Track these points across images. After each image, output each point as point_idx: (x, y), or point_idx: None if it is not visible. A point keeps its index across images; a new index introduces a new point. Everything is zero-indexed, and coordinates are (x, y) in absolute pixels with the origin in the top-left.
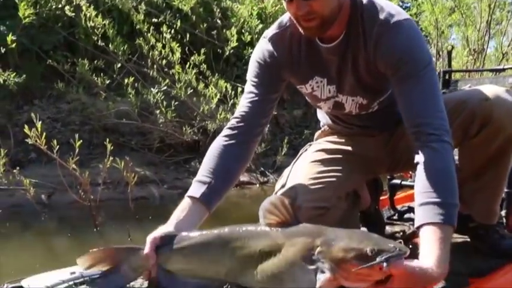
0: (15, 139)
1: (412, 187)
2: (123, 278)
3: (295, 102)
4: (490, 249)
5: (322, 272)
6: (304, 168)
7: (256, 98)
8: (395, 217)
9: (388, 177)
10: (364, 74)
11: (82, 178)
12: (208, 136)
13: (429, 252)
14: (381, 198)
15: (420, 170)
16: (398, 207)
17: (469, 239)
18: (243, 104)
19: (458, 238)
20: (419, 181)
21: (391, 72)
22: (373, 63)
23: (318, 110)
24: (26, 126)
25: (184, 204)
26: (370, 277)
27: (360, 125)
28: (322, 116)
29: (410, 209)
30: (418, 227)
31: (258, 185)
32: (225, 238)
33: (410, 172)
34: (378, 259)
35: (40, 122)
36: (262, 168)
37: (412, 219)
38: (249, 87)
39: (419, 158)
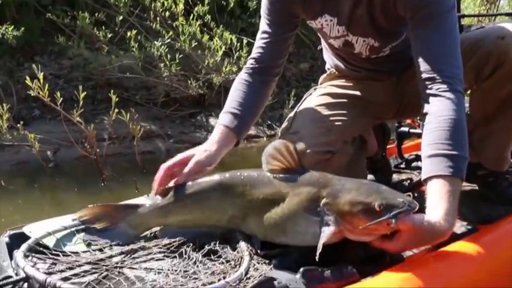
0: (18, 96)
1: (420, 135)
2: (122, 235)
3: (301, 55)
4: (499, 197)
5: (327, 224)
6: (309, 112)
7: (271, 39)
8: (402, 165)
9: (396, 124)
10: (379, 15)
11: (88, 131)
12: (213, 90)
13: (437, 206)
14: (389, 147)
15: (430, 120)
16: (406, 155)
17: (477, 187)
18: (258, 45)
19: (466, 186)
20: (428, 131)
21: (410, 14)
22: (392, 4)
23: (324, 50)
24: (27, 78)
25: (219, 130)
26: (377, 231)
27: (368, 68)
28: (329, 57)
29: (418, 158)
30: (426, 180)
31: (265, 138)
32: (226, 185)
33: (418, 121)
34: (386, 215)
35: (42, 73)
36: (269, 122)
37: (419, 168)
38: (263, 25)
39: (429, 107)
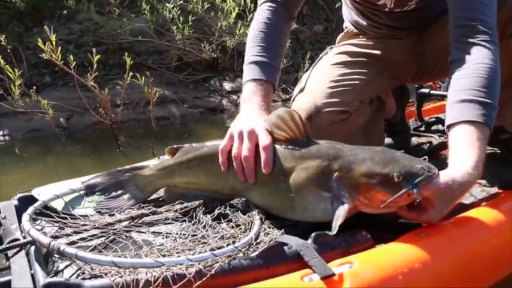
0: (28, 62)
1: (441, 97)
2: (130, 198)
3: (315, 17)
4: None
5: (340, 200)
6: (325, 71)
7: None
8: (422, 128)
9: (416, 86)
10: None
11: (102, 96)
12: (227, 53)
13: (465, 153)
14: (408, 109)
15: (464, 66)
16: (426, 118)
17: (499, 152)
18: None
19: (488, 150)
20: (461, 77)
21: None
22: None
23: (344, 6)
24: (39, 40)
25: (252, 88)
26: (397, 204)
27: (389, 25)
28: (348, 13)
29: (439, 121)
30: (452, 125)
31: (280, 102)
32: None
33: (439, 82)
34: (405, 185)
35: (54, 35)
36: (283, 85)
37: (440, 131)
38: None
39: (464, 53)
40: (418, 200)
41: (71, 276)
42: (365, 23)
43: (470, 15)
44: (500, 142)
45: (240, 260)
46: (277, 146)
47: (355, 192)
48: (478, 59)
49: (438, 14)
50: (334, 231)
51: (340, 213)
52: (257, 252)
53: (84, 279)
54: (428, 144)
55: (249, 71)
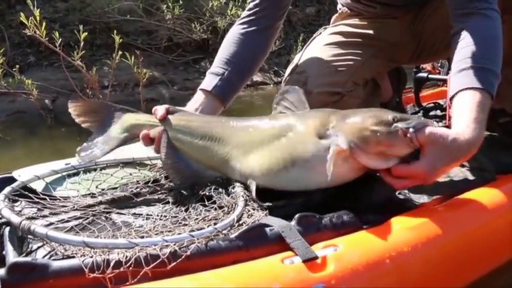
0: (11, 42)
1: (440, 81)
2: (114, 139)
3: None
4: None
5: (336, 145)
6: (317, 52)
7: None
8: (420, 114)
9: (414, 70)
10: None
11: (90, 76)
12: (218, 34)
13: (464, 116)
14: (406, 95)
15: (464, 38)
16: (424, 104)
17: (497, 136)
18: None
19: (486, 134)
20: (461, 48)
21: None
22: None
23: None
24: (22, 14)
25: (197, 98)
26: (393, 148)
27: (384, 2)
28: None
29: (437, 106)
30: (454, 96)
31: (272, 85)
32: (228, 123)
33: (438, 68)
34: (401, 126)
35: (38, 10)
36: (275, 68)
37: (438, 117)
38: None
39: (463, 25)
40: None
41: (43, 257)
42: (359, 3)
43: None
44: (499, 126)
45: (219, 241)
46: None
47: (351, 136)
48: (479, 27)
49: None
50: (328, 172)
51: (332, 151)
52: (236, 234)
53: (55, 260)
54: None
55: (204, 80)
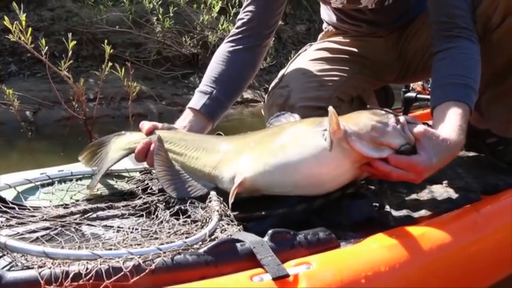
0: None
1: (428, 101)
2: (109, 160)
3: (297, 17)
4: (509, 166)
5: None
6: (302, 66)
7: None
8: None
9: (403, 89)
10: None
11: (77, 88)
12: (208, 49)
13: (449, 122)
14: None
15: (446, 55)
16: None
17: (485, 156)
18: (249, 2)
19: (474, 155)
20: (442, 65)
21: None
22: None
23: (322, 6)
24: (6, 18)
25: (185, 116)
26: (386, 136)
27: (370, 20)
28: (326, 14)
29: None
30: (433, 108)
31: (262, 103)
32: (225, 137)
33: (428, 88)
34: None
35: (24, 14)
36: (266, 85)
37: None
38: None
39: (445, 45)
40: (406, 146)
41: (2, 268)
42: (345, 23)
43: (450, 12)
44: (487, 146)
45: (186, 255)
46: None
47: (345, 122)
48: (462, 48)
49: (416, 8)
50: (329, 146)
51: (328, 130)
52: (205, 248)
53: (13, 271)
54: None
55: (193, 99)
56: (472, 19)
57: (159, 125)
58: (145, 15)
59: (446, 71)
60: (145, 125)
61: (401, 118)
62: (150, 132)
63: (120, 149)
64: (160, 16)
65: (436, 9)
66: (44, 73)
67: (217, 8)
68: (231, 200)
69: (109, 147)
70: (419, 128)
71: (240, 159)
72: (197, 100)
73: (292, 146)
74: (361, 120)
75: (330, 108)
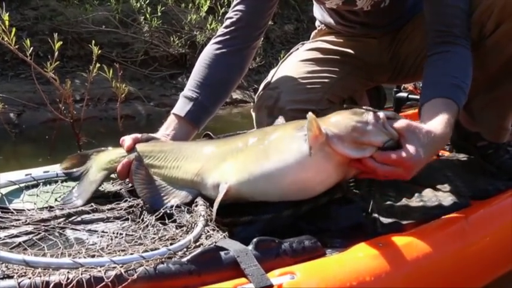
0: None
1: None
2: (92, 183)
3: (285, 16)
4: (500, 170)
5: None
6: (292, 68)
7: None
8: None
9: (395, 89)
10: None
11: (63, 90)
12: (196, 49)
13: (436, 116)
14: None
15: (439, 57)
16: None
17: (475, 160)
18: (239, 1)
19: (464, 158)
20: (440, 65)
21: None
22: None
23: (315, 5)
24: None
25: (169, 122)
26: (368, 135)
27: (364, 22)
28: (320, 14)
29: None
30: (422, 104)
31: (251, 103)
32: (205, 141)
33: (420, 88)
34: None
35: (7, 14)
36: (255, 86)
37: None
38: None
39: (439, 49)
40: (389, 143)
41: None
42: (338, 24)
43: (447, 21)
44: (477, 149)
45: (169, 264)
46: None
47: (325, 125)
48: (456, 54)
49: (411, 11)
50: (310, 150)
51: (308, 138)
52: (188, 257)
53: None
54: None
55: (177, 104)
56: (468, 28)
57: (139, 136)
58: (132, 14)
59: (437, 71)
60: (126, 141)
61: (381, 114)
62: (131, 149)
63: (101, 169)
64: (148, 15)
65: (433, 17)
66: (28, 74)
67: (205, 8)
68: (214, 209)
69: (90, 165)
70: (401, 123)
71: (223, 166)
72: (182, 106)
73: (275, 153)
74: (341, 122)
75: (309, 114)
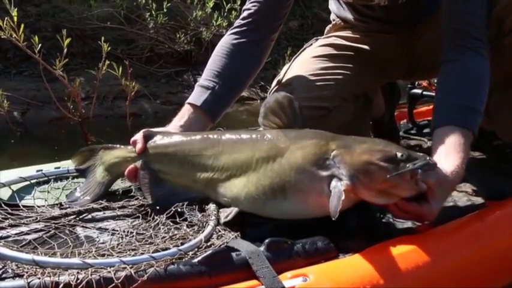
0: None
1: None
2: (100, 185)
3: (290, 13)
4: None
5: (338, 179)
6: (305, 64)
7: None
8: (413, 131)
9: (409, 86)
10: None
11: (72, 88)
12: (202, 46)
13: (454, 153)
14: (400, 111)
15: (454, 70)
16: (418, 121)
17: (491, 159)
18: None
19: (479, 156)
20: (451, 81)
21: None
22: None
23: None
24: None
25: (183, 112)
26: (398, 189)
27: (380, 18)
28: (335, 6)
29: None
30: (437, 126)
31: (258, 101)
32: (210, 140)
33: (435, 84)
34: (408, 166)
35: (16, 9)
36: (262, 83)
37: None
38: None
39: (454, 56)
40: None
41: None
42: (354, 18)
43: (464, 20)
44: (493, 149)
45: (180, 265)
46: (271, 130)
47: (354, 170)
48: (470, 63)
49: (428, 7)
50: (335, 215)
51: (338, 190)
52: (199, 258)
53: (4, 278)
54: (418, 148)
55: (193, 93)
56: (486, 28)
57: (149, 132)
58: (137, 10)
59: (453, 90)
60: (138, 143)
61: (418, 173)
62: (142, 151)
63: (108, 170)
64: (153, 12)
65: (451, 13)
66: (32, 71)
67: (211, 4)
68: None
69: (97, 163)
70: (433, 177)
71: (233, 184)
72: (198, 95)
73: (294, 192)
74: (373, 172)
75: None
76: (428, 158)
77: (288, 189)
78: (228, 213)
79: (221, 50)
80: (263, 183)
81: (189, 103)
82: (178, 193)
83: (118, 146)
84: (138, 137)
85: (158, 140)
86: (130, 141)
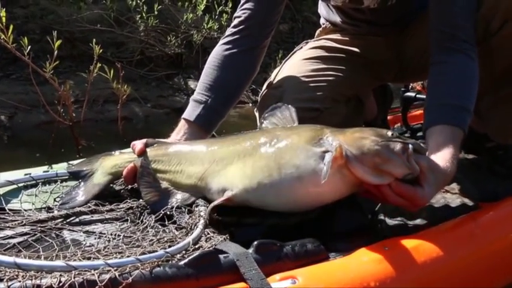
0: None
1: None
2: (96, 186)
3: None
4: (509, 172)
5: (330, 153)
6: (296, 66)
7: None
8: (407, 135)
9: (402, 89)
10: None
11: (63, 91)
12: (192, 49)
13: (445, 150)
14: (394, 115)
15: (443, 71)
16: (412, 124)
17: (484, 161)
18: None
19: (472, 159)
20: (440, 82)
21: None
22: None
23: (320, 2)
24: None
25: (180, 127)
26: (390, 164)
27: (370, 20)
28: (324, 10)
29: None
30: (427, 128)
31: (250, 104)
32: (209, 141)
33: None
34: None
35: (4, 9)
36: (253, 86)
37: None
38: None
39: (443, 58)
40: (408, 176)
41: None
42: (343, 22)
43: (452, 22)
44: (486, 151)
45: (166, 267)
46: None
47: (347, 144)
48: (459, 65)
49: (417, 9)
50: (324, 177)
51: (328, 156)
52: (186, 260)
53: None
54: None
55: (187, 108)
56: (473, 29)
57: (150, 141)
58: (128, 13)
59: (442, 90)
60: (137, 145)
61: (410, 148)
62: (141, 153)
63: (106, 173)
64: (144, 14)
65: (438, 16)
66: (19, 74)
67: (202, 7)
68: (208, 211)
69: (95, 167)
70: (424, 160)
71: (229, 171)
72: (191, 110)
73: (289, 167)
74: (364, 144)
75: (337, 143)
76: (418, 143)
77: (284, 166)
78: (219, 199)
79: (213, 61)
80: (259, 164)
81: (183, 118)
82: (176, 192)
83: (117, 152)
84: (138, 141)
85: (157, 143)
86: (131, 145)
